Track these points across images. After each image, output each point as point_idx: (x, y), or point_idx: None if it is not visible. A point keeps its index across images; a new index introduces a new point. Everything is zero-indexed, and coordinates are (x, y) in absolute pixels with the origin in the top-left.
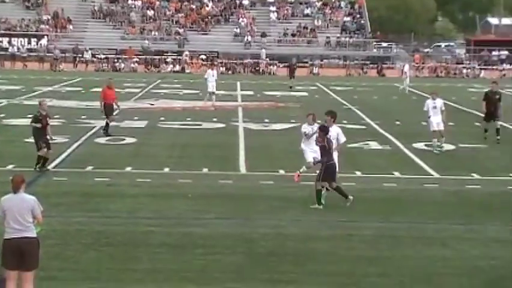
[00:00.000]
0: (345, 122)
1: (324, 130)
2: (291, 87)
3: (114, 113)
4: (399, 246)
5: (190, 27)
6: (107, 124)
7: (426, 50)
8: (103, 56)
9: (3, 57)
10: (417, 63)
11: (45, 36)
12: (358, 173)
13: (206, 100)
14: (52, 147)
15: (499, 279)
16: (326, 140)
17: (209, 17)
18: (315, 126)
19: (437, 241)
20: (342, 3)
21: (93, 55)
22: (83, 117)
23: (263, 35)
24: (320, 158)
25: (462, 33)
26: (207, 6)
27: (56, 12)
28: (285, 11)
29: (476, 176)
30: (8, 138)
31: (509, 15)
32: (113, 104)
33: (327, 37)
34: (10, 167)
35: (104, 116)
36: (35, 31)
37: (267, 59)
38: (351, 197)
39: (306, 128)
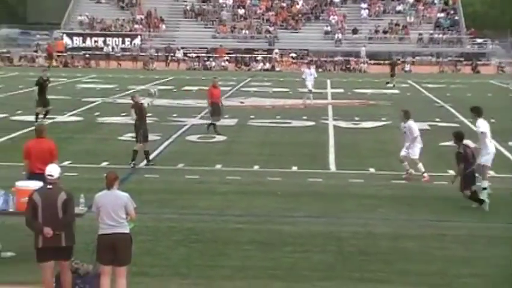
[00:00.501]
0: (438, 120)
1: (457, 137)
2: (394, 85)
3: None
4: (493, 246)
5: (280, 26)
6: (212, 124)
7: None
8: (194, 55)
9: (98, 57)
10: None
11: (139, 36)
12: (451, 172)
13: (305, 99)
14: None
15: None
16: (461, 146)
17: (299, 15)
18: (406, 124)
19: None
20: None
21: (185, 54)
22: (174, 115)
23: (354, 31)
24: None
25: None
26: (298, 4)
27: (150, 12)
28: (377, 8)
29: None
30: (102, 136)
31: None
32: (219, 102)
33: (420, 34)
34: (104, 164)
35: (209, 115)
36: (129, 31)
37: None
38: (487, 200)
39: (401, 125)
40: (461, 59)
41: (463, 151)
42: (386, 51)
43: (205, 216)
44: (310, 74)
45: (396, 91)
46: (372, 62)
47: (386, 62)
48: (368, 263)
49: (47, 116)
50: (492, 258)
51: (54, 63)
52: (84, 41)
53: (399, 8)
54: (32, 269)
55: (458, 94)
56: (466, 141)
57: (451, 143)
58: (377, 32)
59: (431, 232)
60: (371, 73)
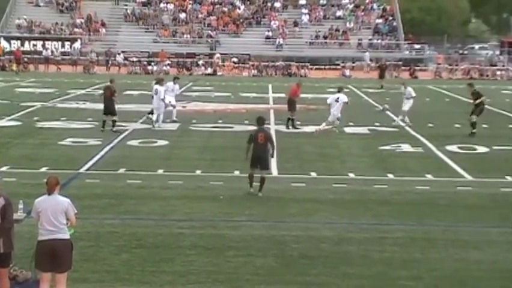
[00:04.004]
0: (377, 124)
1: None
2: (382, 86)
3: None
4: (432, 248)
5: (222, 30)
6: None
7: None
8: (135, 59)
9: (37, 61)
10: (439, 64)
11: (79, 40)
12: (390, 176)
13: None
14: (85, 150)
15: None
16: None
17: (241, 20)
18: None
19: (471, 244)
20: (375, 5)
21: (125, 58)
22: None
23: (295, 23)
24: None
25: (495, 35)
26: (239, 9)
27: (90, 15)
28: (317, 14)
29: (510, 178)
30: (42, 140)
31: None
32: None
33: (359, 39)
34: (44, 169)
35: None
36: (69, 34)
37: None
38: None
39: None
40: (400, 64)
41: None
42: (327, 56)
43: (147, 221)
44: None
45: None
46: (313, 67)
47: (376, 65)
48: (310, 266)
49: None
50: (430, 261)
51: None
52: (22, 45)
53: (339, 13)
54: None
55: (397, 99)
56: None
57: (390, 146)
58: (317, 37)
59: (371, 235)
60: (312, 78)
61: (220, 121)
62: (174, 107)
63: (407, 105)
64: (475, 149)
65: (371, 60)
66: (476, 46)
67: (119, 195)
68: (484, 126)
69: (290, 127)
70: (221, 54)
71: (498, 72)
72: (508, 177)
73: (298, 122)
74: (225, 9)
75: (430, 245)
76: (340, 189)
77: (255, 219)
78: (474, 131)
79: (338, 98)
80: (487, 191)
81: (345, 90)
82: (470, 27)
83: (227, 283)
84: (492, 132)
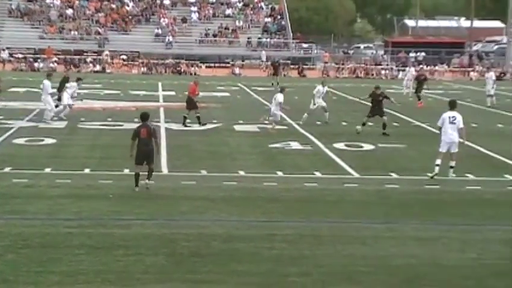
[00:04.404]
0: (267, 122)
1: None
2: (276, 83)
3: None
4: (320, 245)
5: (110, 27)
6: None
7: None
8: (20, 56)
9: None
10: (326, 63)
11: None
12: (280, 173)
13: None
14: None
15: (416, 277)
16: None
17: (130, 17)
18: None
19: (357, 240)
20: (263, 4)
21: (10, 55)
22: (0, 117)
23: (184, 20)
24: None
25: (380, 34)
26: (128, 5)
27: None
28: (206, 11)
29: (394, 175)
30: None
31: (425, 17)
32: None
33: (249, 38)
34: None
35: None
36: None
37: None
38: None
39: None
40: (288, 62)
41: None
42: (216, 54)
43: (34, 220)
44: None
45: (226, 94)
46: (203, 65)
47: (269, 63)
48: (200, 264)
49: None
50: (318, 257)
51: None
52: None
53: (229, 12)
54: None
55: (286, 97)
56: None
57: (279, 144)
58: (207, 35)
59: (261, 232)
60: (202, 76)
61: (110, 119)
62: (71, 107)
63: (315, 105)
64: (361, 147)
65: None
66: (362, 46)
67: (4, 194)
68: (370, 124)
69: (189, 125)
70: (110, 51)
71: (383, 72)
72: (392, 174)
73: (188, 120)
74: (113, 6)
75: (318, 242)
76: (230, 187)
77: (145, 218)
78: (385, 131)
79: (275, 97)
80: (373, 188)
81: (286, 90)
82: (356, 27)
83: (117, 282)
84: (378, 130)
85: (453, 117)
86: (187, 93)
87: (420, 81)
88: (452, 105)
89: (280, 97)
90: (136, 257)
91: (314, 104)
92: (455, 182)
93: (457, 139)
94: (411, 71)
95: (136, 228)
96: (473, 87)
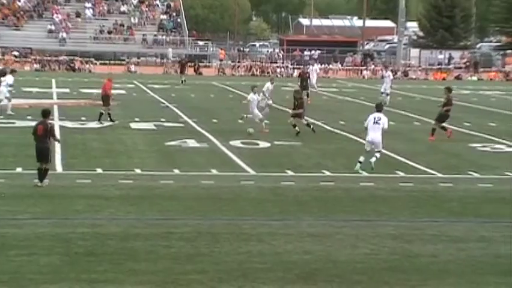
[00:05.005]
0: (163, 120)
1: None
2: (183, 81)
3: None
4: (217, 242)
5: (1, 23)
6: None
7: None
8: None
9: None
10: (221, 60)
11: None
12: (176, 171)
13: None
14: None
15: (311, 273)
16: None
17: (21, 12)
18: None
19: (254, 237)
20: (159, 2)
21: None
22: None
23: (77, 14)
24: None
25: (276, 33)
26: (19, 0)
27: None
28: (101, 8)
29: (290, 172)
30: None
31: (319, 16)
32: None
33: (144, 35)
34: None
35: None
36: None
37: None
38: None
39: None
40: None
41: None
42: (112, 51)
43: None
44: None
45: (122, 91)
46: (98, 62)
47: (177, 60)
48: (96, 263)
49: None
50: (215, 255)
51: None
52: None
53: (124, 8)
54: None
55: (182, 95)
56: None
57: (176, 142)
58: (101, 32)
59: (158, 231)
60: (97, 73)
61: (1, 117)
62: (9, 100)
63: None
64: (257, 144)
65: (156, 56)
66: (258, 44)
67: None
68: (266, 122)
69: (104, 122)
70: (1, 47)
71: (278, 70)
72: (288, 171)
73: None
74: (4, 1)
75: (215, 239)
76: (126, 185)
77: (39, 217)
78: (298, 129)
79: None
80: (269, 185)
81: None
82: (251, 25)
83: (10, 283)
84: (273, 127)
85: (378, 118)
86: (101, 90)
87: (303, 78)
88: (379, 108)
89: (253, 96)
90: (30, 257)
91: (269, 99)
92: (349, 179)
93: (379, 139)
94: (316, 69)
95: (29, 228)
96: (366, 85)
